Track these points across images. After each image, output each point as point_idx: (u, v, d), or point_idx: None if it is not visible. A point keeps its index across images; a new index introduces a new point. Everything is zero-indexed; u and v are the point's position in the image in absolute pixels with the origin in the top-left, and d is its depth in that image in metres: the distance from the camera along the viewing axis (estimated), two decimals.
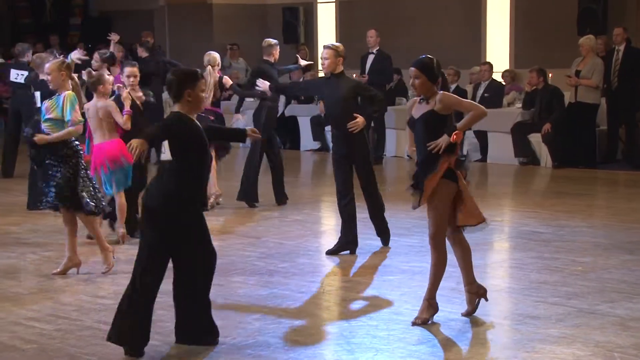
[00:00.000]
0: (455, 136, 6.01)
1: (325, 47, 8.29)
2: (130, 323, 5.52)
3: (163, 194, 5.55)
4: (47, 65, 7.67)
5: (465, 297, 6.34)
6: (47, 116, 7.49)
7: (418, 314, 6.16)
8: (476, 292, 6.32)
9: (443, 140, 6.01)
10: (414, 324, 6.10)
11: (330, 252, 8.27)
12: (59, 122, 7.45)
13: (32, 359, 5.56)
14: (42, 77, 10.63)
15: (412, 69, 6.16)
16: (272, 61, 10.91)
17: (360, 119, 8.09)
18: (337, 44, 8.42)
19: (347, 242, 8.32)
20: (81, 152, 7.67)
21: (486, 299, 6.34)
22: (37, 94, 10.02)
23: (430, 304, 6.18)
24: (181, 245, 5.63)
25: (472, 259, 6.32)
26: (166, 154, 5.57)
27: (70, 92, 7.50)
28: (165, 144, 5.72)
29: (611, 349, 5.64)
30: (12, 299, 6.91)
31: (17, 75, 12.40)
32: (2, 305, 6.74)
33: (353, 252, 8.30)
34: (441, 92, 6.18)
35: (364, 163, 8.43)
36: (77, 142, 7.58)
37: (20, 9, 24.55)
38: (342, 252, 8.26)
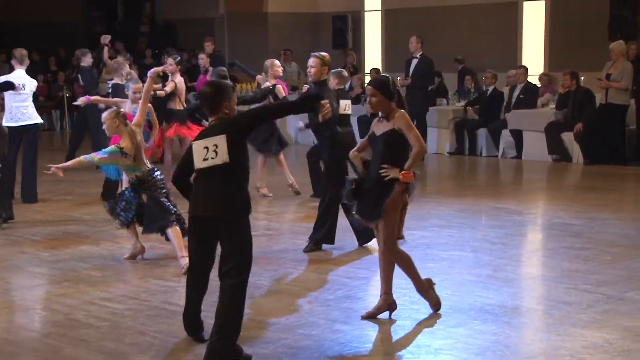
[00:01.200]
0: (402, 176, 5.72)
1: (312, 55, 8.03)
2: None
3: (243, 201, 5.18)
4: (103, 115, 7.59)
5: (378, 301, 5.98)
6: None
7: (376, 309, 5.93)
8: (389, 305, 5.95)
9: (393, 173, 5.73)
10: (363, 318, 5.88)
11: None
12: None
13: (105, 335, 5.64)
14: (117, 81, 10.75)
15: (369, 87, 5.84)
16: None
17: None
18: (324, 53, 8.11)
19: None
20: None
21: (390, 316, 5.91)
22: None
23: (429, 296, 6.06)
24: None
25: (394, 272, 5.96)
26: (216, 159, 5.26)
27: (115, 146, 7.46)
28: (208, 146, 5.19)
29: (638, 332, 5.58)
30: (88, 281, 7.02)
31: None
32: (78, 287, 6.86)
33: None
34: (401, 110, 5.85)
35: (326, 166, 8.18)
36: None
37: (94, 18, 24.88)
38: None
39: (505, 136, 14.75)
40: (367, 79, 18.27)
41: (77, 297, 6.56)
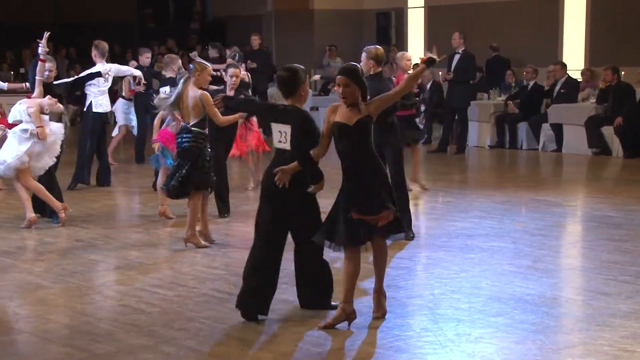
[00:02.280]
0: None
1: (364, 51, 8.00)
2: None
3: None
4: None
5: (336, 311, 5.53)
6: None
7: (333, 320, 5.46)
8: (347, 315, 5.47)
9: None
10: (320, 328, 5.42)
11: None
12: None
13: (155, 321, 5.68)
14: (169, 75, 10.81)
15: (340, 77, 5.39)
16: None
17: None
18: (372, 47, 8.04)
19: None
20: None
21: (349, 326, 5.45)
22: (165, 89, 10.20)
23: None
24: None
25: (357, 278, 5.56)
26: (285, 144, 5.53)
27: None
28: (282, 131, 5.53)
29: None
30: (139, 269, 7.08)
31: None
32: (130, 274, 6.91)
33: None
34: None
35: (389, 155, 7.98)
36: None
37: (146, 15, 25.08)
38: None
39: (546, 130, 14.58)
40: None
41: (128, 283, 6.62)
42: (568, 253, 7.78)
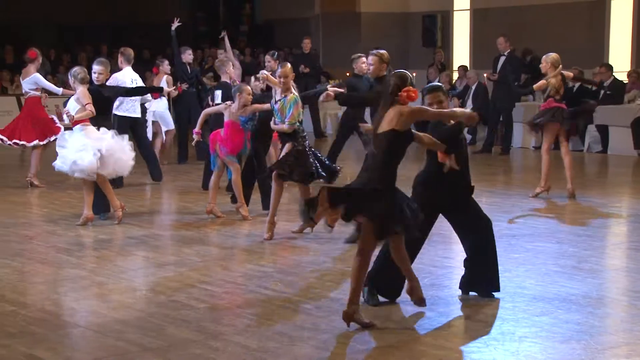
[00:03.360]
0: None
1: (371, 53, 7.97)
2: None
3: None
4: (281, 69, 7.94)
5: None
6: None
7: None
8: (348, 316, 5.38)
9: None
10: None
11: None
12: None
13: (204, 316, 5.72)
14: (223, 78, 10.83)
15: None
16: (358, 73, 10.49)
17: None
18: (382, 51, 8.03)
19: None
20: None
21: (348, 325, 5.36)
22: (218, 93, 10.25)
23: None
24: None
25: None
26: None
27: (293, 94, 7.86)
28: None
29: None
30: (189, 265, 7.13)
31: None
32: (180, 271, 6.97)
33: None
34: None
35: None
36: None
37: (199, 19, 25.29)
38: None
39: (591, 131, 14.38)
40: (455, 75, 18.05)
41: (179, 280, 6.68)
42: (613, 254, 7.66)
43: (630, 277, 6.65)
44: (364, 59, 10.82)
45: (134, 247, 7.86)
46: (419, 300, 5.63)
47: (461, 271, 7.03)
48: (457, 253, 7.57)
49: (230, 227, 8.65)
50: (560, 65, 9.89)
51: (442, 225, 8.70)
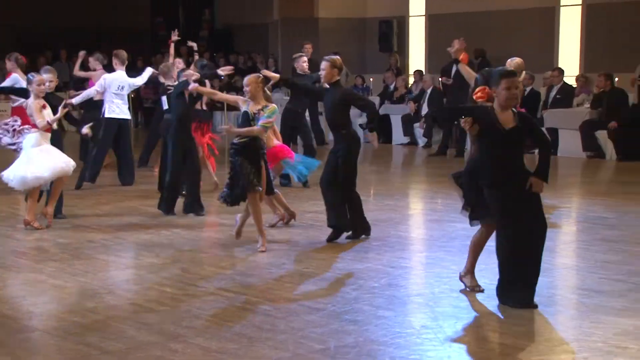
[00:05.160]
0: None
1: (324, 59, 7.96)
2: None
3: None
4: (245, 78, 7.61)
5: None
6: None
7: None
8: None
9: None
10: None
11: (349, 237, 7.97)
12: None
13: (164, 318, 5.66)
14: (168, 83, 10.75)
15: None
16: (300, 72, 10.92)
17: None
18: (335, 57, 8.06)
19: (363, 228, 8.03)
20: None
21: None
22: (164, 99, 10.21)
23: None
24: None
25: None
26: None
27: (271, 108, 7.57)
28: None
29: None
30: (148, 268, 7.07)
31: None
32: (140, 273, 6.91)
33: (368, 235, 8.05)
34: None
35: (344, 161, 7.85)
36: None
37: (158, 24, 25.10)
38: (361, 236, 8.01)
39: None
40: (411, 79, 18.16)
41: (138, 282, 6.61)
42: (564, 253, 7.75)
43: (580, 275, 6.74)
44: (304, 57, 10.98)
45: (93, 250, 7.76)
46: None
47: (417, 271, 7.07)
48: (414, 254, 7.62)
49: (189, 230, 8.59)
50: (524, 71, 10.01)
51: (400, 227, 8.77)
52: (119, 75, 11.10)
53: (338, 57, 8.17)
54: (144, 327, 5.48)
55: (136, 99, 18.88)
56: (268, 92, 7.65)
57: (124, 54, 11.21)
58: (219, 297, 6.17)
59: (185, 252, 7.65)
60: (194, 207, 9.31)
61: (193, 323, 5.55)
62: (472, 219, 6.11)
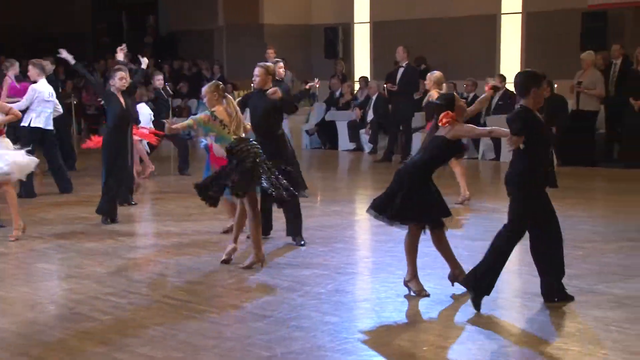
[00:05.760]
0: None
1: (258, 65, 7.98)
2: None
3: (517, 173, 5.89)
4: (203, 89, 7.37)
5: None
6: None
7: None
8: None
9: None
10: None
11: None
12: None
13: (108, 328, 5.58)
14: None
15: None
16: (277, 78, 10.71)
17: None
18: (269, 63, 8.13)
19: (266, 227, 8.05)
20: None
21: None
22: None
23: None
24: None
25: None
26: None
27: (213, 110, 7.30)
28: None
29: (608, 322, 5.55)
30: (92, 277, 6.95)
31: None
32: (83, 283, 6.79)
33: (267, 234, 8.07)
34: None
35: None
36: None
37: (100, 29, 24.78)
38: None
39: (485, 139, 14.73)
40: (357, 86, 18.25)
41: (82, 292, 6.50)
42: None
43: (523, 279, 6.83)
44: (281, 64, 10.84)
45: (35, 259, 7.62)
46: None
47: (364, 277, 7.09)
48: (360, 259, 7.65)
49: (133, 238, 8.49)
50: (444, 84, 10.18)
51: (346, 232, 8.79)
52: (45, 84, 10.97)
53: (271, 64, 8.16)
54: (87, 337, 5.39)
55: (78, 106, 18.58)
56: (230, 97, 7.54)
57: (44, 63, 11.13)
58: (164, 305, 6.10)
59: (129, 261, 7.55)
60: (125, 196, 9.72)
61: (138, 332, 5.48)
62: (392, 219, 6.19)
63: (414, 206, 6.07)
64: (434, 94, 9.87)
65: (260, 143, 7.84)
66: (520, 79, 5.94)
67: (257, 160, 7.10)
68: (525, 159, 5.87)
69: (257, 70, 7.94)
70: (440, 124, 6.16)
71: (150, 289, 6.54)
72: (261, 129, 7.94)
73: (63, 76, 21.11)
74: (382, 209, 6.15)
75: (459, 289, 6.32)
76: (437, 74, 10.23)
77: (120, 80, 9.19)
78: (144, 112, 12.45)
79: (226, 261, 7.26)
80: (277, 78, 10.95)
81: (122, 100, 9.20)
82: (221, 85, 7.47)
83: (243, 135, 7.26)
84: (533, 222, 5.90)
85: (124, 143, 9.28)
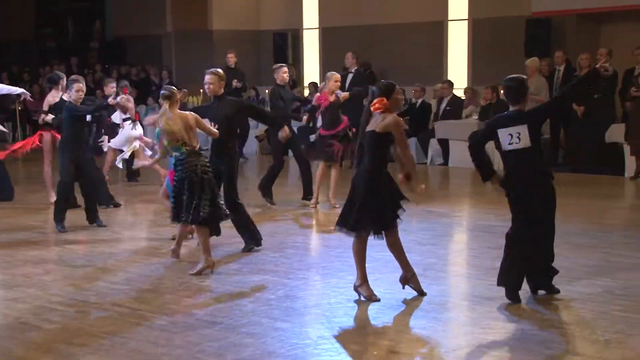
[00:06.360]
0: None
1: (208, 72, 7.72)
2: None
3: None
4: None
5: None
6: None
7: None
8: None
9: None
10: None
11: (244, 250, 7.94)
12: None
13: (55, 337, 5.49)
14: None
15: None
16: (280, 83, 10.75)
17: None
18: (219, 69, 7.87)
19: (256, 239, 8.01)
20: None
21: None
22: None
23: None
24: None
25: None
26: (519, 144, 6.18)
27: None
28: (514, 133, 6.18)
29: (553, 324, 5.64)
30: (38, 285, 6.84)
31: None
32: (29, 291, 6.66)
33: (259, 245, 8.01)
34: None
35: (228, 176, 7.76)
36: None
37: (45, 34, 24.38)
38: (256, 248, 7.97)
39: (433, 145, 14.88)
40: (306, 92, 18.26)
41: (28, 301, 6.38)
42: (454, 261, 7.94)
43: (471, 283, 6.91)
44: (285, 68, 10.73)
45: None
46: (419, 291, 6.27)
47: (314, 282, 7.09)
48: (311, 265, 7.64)
49: (81, 245, 8.37)
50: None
51: (297, 238, 8.78)
52: None
53: (220, 70, 7.97)
54: (34, 346, 5.30)
55: (23, 112, 18.27)
56: (185, 104, 7.44)
57: None
58: (112, 312, 6.03)
59: (76, 268, 7.44)
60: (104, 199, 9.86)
61: (85, 340, 5.40)
62: (352, 229, 6.28)
63: (370, 213, 6.10)
64: None
65: (216, 152, 7.82)
66: (515, 83, 6.14)
67: (203, 176, 7.03)
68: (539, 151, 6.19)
69: (208, 77, 7.67)
70: (372, 109, 6.11)
71: (99, 297, 6.45)
72: (218, 139, 7.64)
73: (8, 83, 20.78)
74: (345, 222, 6.19)
75: (410, 293, 6.37)
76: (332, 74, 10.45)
77: (77, 92, 9.07)
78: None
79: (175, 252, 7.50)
80: (279, 83, 10.83)
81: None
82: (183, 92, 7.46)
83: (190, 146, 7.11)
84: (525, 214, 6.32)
85: (83, 155, 9.14)
